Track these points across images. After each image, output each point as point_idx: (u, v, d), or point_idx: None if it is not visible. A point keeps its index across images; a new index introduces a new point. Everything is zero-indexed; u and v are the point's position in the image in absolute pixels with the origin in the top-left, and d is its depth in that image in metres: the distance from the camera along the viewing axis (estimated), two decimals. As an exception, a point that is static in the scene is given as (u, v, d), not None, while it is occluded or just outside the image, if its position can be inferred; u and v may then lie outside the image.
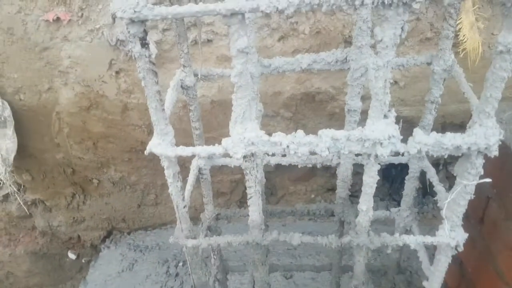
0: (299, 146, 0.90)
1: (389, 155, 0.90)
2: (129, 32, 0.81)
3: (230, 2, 0.74)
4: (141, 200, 2.32)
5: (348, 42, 1.93)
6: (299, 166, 1.33)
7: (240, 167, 2.23)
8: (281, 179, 2.27)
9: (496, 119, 0.89)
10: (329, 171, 2.25)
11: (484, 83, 0.86)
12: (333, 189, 2.33)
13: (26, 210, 2.22)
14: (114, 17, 0.79)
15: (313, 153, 0.91)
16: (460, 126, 2.03)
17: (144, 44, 0.83)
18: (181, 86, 1.13)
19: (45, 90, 1.96)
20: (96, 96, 1.96)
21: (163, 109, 0.91)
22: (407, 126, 1.50)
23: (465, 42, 1.80)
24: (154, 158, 2.19)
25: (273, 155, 1.20)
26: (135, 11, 0.76)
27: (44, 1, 1.79)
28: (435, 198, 1.17)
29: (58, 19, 1.81)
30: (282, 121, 2.03)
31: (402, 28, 0.76)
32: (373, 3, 0.72)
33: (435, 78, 1.11)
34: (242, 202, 2.30)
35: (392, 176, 2.28)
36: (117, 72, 1.91)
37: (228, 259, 1.86)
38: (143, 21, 0.80)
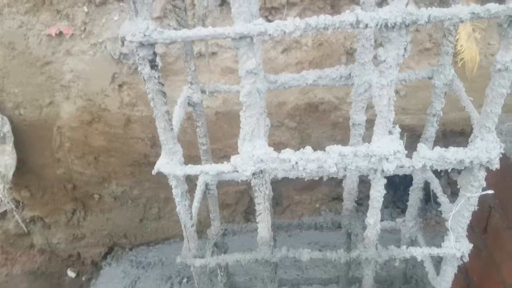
0: (307, 162, 0.96)
1: (395, 170, 0.96)
2: (138, 54, 0.86)
3: (239, 26, 0.81)
4: (143, 214, 2.37)
5: (349, 53, 2.00)
6: (305, 180, 1.38)
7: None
8: (286, 189, 2.33)
9: (496, 131, 0.95)
10: (334, 180, 2.30)
11: (484, 99, 0.92)
12: (338, 198, 2.38)
13: (24, 228, 2.27)
14: (123, 41, 0.84)
15: (321, 168, 0.96)
16: (460, 133, 2.10)
17: (154, 66, 0.89)
18: (188, 103, 1.18)
19: (46, 104, 2.02)
20: (99, 109, 2.02)
21: (172, 129, 0.97)
22: (409, 134, 1.56)
23: (463, 52, 1.88)
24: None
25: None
26: (144, 35, 0.81)
27: (47, 16, 1.86)
28: (439, 209, 1.23)
29: (60, 33, 1.87)
30: (287, 131, 2.09)
31: (405, 49, 0.82)
32: (376, 25, 0.78)
33: (436, 92, 1.18)
34: (248, 213, 2.35)
35: (396, 183, 2.34)
36: (120, 85, 1.97)
37: (235, 274, 1.90)
38: (152, 44, 0.85)
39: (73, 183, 2.22)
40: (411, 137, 1.59)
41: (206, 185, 1.34)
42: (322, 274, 1.85)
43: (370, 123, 1.19)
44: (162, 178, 2.43)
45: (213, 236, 1.39)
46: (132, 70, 1.94)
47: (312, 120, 2.13)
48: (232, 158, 0.97)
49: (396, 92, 1.99)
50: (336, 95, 2.06)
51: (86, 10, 1.84)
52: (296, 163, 0.96)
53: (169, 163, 0.97)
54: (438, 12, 0.76)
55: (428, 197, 2.47)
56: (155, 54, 0.86)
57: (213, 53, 1.92)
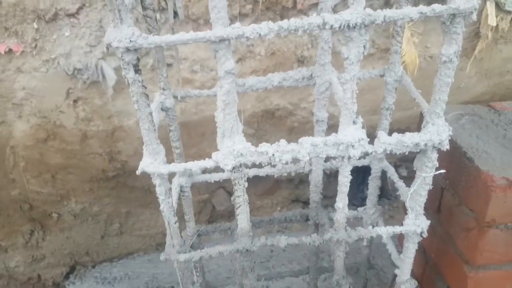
0: (283, 154, 1.04)
1: (360, 155, 1.07)
2: (123, 60, 0.91)
3: (218, 30, 0.88)
4: (105, 231, 2.34)
5: (300, 61, 2.14)
6: (275, 176, 1.47)
7: (207, 186, 2.33)
8: (248, 195, 2.40)
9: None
10: (293, 182, 2.42)
11: (433, 88, 1.06)
12: (297, 200, 2.50)
13: (-19, 254, 2.16)
14: (108, 47, 0.89)
15: (295, 159, 1.06)
16: (405, 130, 2.31)
17: (137, 70, 0.94)
18: (161, 108, 1.24)
19: (-2, 124, 1.97)
20: (54, 126, 1.99)
21: (155, 129, 1.02)
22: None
23: (403, 55, 2.08)
24: (117, 186, 2.24)
25: (251, 167, 1.34)
26: (130, 41, 0.87)
27: (-5, 34, 1.82)
28: (391, 197, 1.36)
29: (10, 50, 1.84)
30: (246, 137, 2.17)
31: (364, 46, 0.94)
32: (340, 26, 0.90)
33: (388, 88, 1.32)
34: (211, 222, 2.39)
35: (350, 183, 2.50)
36: (75, 101, 1.97)
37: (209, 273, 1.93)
38: (136, 50, 0.91)
39: (29, 203, 2.15)
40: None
41: (181, 187, 1.39)
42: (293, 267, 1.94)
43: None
44: (122, 192, 2.43)
45: (188, 237, 1.43)
46: (87, 85, 1.95)
47: (270, 126, 2.24)
48: (213, 154, 1.04)
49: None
50: (291, 101, 2.19)
51: (36, 26, 1.83)
52: (273, 154, 1.04)
53: (153, 163, 1.02)
54: (392, 12, 0.88)
55: (381, 194, 2.65)
56: (138, 59, 0.91)
57: (169, 65, 1.98)
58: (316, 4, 2.01)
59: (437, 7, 0.89)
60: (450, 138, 1.10)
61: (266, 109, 2.16)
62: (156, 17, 1.14)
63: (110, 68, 1.93)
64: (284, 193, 2.47)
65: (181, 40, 0.89)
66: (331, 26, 0.89)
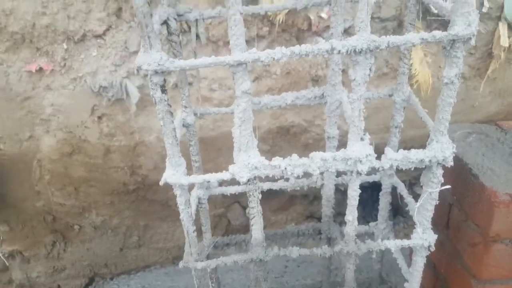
0: (294, 167, 1.14)
1: (367, 170, 1.16)
2: (152, 81, 1.03)
3: (236, 55, 1.00)
4: (123, 243, 2.44)
5: (315, 80, 2.25)
6: (289, 191, 1.56)
7: (223, 200, 2.42)
8: (262, 210, 2.49)
9: (449, 137, 1.18)
10: (307, 198, 2.50)
11: (437, 108, 1.15)
12: (311, 216, 2.57)
13: (6, 262, 2.28)
14: (139, 69, 1.01)
15: (306, 173, 1.15)
16: (419, 148, 2.38)
17: (164, 90, 1.06)
18: (183, 125, 1.35)
19: (26, 138, 2.11)
20: (79, 141, 2.13)
21: (178, 144, 1.13)
22: (374, 151, 1.79)
23: (417, 75, 2.17)
24: (137, 199, 2.36)
25: (266, 181, 1.43)
26: (159, 64, 0.99)
27: (27, 53, 1.98)
28: (406, 215, 1.43)
29: (40, 69, 1.99)
30: (261, 153, 2.28)
31: (370, 69, 1.04)
32: (347, 51, 1.00)
33: (396, 107, 1.41)
34: (226, 235, 2.48)
35: (364, 200, 2.57)
36: (99, 117, 2.10)
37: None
38: (164, 72, 1.02)
39: (53, 214, 2.28)
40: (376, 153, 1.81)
41: (199, 199, 1.49)
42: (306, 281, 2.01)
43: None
44: (141, 205, 2.54)
45: (205, 248, 1.52)
46: (111, 102, 2.08)
47: (284, 143, 2.33)
48: (230, 167, 1.14)
49: (359, 113, 2.24)
50: (305, 118, 2.28)
51: (65, 47, 1.99)
52: (285, 168, 1.14)
53: (175, 174, 1.13)
54: (395, 38, 0.98)
55: (396, 212, 2.72)
56: (165, 80, 1.03)
57: (189, 83, 2.10)
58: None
59: (437, 33, 0.99)
60: (457, 155, 1.19)
61: (281, 126, 2.26)
62: (180, 41, 1.26)
63: (133, 86, 2.06)
64: (298, 209, 2.55)
65: (203, 64, 1.01)
66: (339, 51, 0.99)
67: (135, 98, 2.07)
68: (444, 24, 2.15)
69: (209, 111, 1.39)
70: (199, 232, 1.93)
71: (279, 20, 2.01)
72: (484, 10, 2.13)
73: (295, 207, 2.53)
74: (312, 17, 2.07)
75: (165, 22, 1.19)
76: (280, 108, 2.36)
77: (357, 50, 0.99)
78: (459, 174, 1.38)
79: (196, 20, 1.23)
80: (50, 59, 2.00)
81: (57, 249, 2.39)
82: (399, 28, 2.17)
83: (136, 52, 2.03)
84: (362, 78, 1.05)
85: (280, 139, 2.29)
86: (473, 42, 1.01)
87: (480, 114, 2.49)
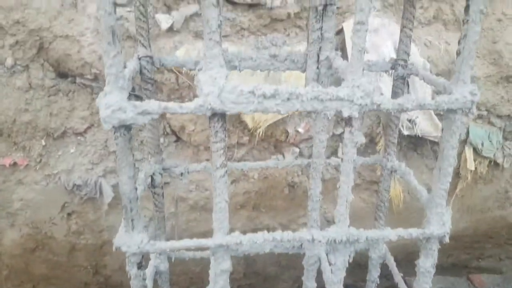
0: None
1: None
2: (130, 260, 0.99)
3: (218, 238, 0.99)
4: None
5: (291, 186, 2.27)
6: None
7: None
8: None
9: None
10: None
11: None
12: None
13: None
14: (117, 250, 0.98)
15: None
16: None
17: (140, 267, 1.02)
18: (156, 272, 1.31)
19: (-11, 231, 2.02)
20: (44, 237, 2.04)
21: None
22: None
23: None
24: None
25: None
26: (139, 247, 0.96)
27: (2, 147, 1.94)
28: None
29: (15, 164, 1.94)
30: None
31: (349, 255, 1.05)
32: (327, 242, 1.00)
33: (373, 263, 1.42)
34: None
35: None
36: (69, 214, 2.04)
37: None
38: (143, 255, 0.99)
39: (6, 314, 2.14)
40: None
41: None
42: None
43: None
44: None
45: None
46: (84, 200, 2.03)
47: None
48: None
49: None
50: (281, 221, 2.28)
51: (43, 143, 1.95)
52: None
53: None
54: (374, 233, 1.00)
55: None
56: (143, 257, 1.00)
57: (166, 183, 2.08)
58: (307, 140, 2.16)
59: (413, 231, 1.01)
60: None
61: (256, 228, 2.24)
62: (162, 193, 1.25)
63: (108, 185, 2.03)
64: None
65: (184, 247, 0.99)
66: (319, 241, 1.00)
67: (108, 197, 2.03)
68: (414, 142, 2.24)
69: (184, 255, 1.36)
70: None
71: (259, 133, 2.04)
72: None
73: None
74: (290, 131, 2.12)
75: (151, 177, 1.18)
76: (256, 210, 2.37)
77: (337, 241, 1.00)
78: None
79: (182, 174, 1.23)
80: (26, 154, 1.96)
81: None
82: (371, 143, 2.24)
83: (115, 152, 2.01)
84: (341, 264, 1.06)
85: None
86: (447, 239, 1.04)
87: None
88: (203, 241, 0.97)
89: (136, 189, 0.91)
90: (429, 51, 2.02)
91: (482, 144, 2.25)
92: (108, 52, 0.80)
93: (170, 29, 1.92)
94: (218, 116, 0.88)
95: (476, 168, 2.32)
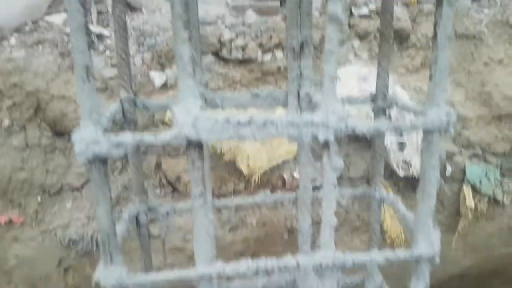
0: None
1: None
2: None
3: (201, 267, 0.94)
4: None
5: (290, 231, 2.20)
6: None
7: None
8: None
9: None
10: None
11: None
12: None
13: None
14: (97, 282, 0.94)
15: None
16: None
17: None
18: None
19: (-17, 293, 1.95)
20: (40, 295, 1.97)
21: None
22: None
23: (389, 230, 2.16)
24: None
25: None
26: (117, 281, 0.92)
27: (-1, 205, 1.91)
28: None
29: (10, 221, 1.91)
30: None
31: (337, 282, 0.99)
32: (313, 267, 0.96)
33: (368, 295, 1.34)
34: None
35: None
36: (65, 269, 1.98)
37: None
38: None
39: None
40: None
41: None
42: None
43: None
44: None
45: None
46: (80, 254, 1.98)
47: None
48: None
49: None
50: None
51: (39, 200, 1.93)
52: None
53: None
54: (360, 256, 0.96)
55: None
56: (122, 287, 0.96)
57: (157, 236, 2.03)
58: (304, 185, 2.12)
59: (401, 253, 0.96)
60: None
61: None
62: (149, 233, 1.22)
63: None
64: None
65: (165, 279, 0.95)
66: (304, 271, 0.95)
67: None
68: (411, 182, 2.20)
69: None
70: None
71: (255, 180, 2.03)
72: (448, 173, 2.21)
73: None
74: (286, 176, 2.10)
75: (135, 217, 1.16)
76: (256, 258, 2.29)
77: (323, 267, 0.95)
78: None
79: (168, 213, 1.21)
80: (22, 211, 1.93)
81: None
82: (367, 184, 2.21)
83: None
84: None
85: None
86: (437, 260, 0.99)
87: (454, 267, 2.44)
88: (184, 272, 0.93)
89: (114, 224, 0.89)
90: (418, 96, 2.05)
91: (480, 182, 2.21)
92: (81, 88, 0.81)
93: (164, 86, 1.97)
94: (194, 145, 0.87)
95: (476, 205, 2.25)
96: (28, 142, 1.88)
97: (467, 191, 2.24)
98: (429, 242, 0.94)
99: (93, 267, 2.01)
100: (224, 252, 1.94)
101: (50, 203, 1.94)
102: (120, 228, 1.05)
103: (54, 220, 1.93)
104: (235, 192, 2.11)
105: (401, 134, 2.02)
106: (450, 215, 2.33)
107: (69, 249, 1.96)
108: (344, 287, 1.18)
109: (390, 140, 2.01)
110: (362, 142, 2.08)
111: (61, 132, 1.92)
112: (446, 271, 2.44)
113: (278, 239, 2.20)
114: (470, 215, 2.28)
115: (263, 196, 1.38)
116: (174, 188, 2.04)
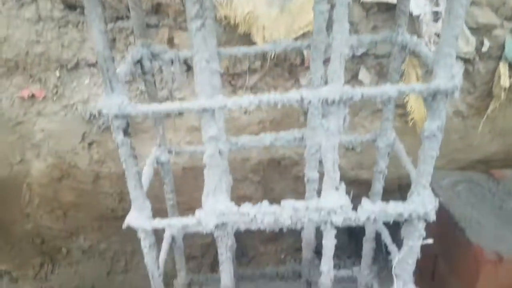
0: (264, 216, 1.05)
1: (342, 222, 1.06)
2: (113, 124, 0.95)
3: (202, 101, 0.92)
4: (111, 267, 2.36)
5: (306, 113, 2.15)
6: (267, 231, 1.47)
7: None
8: (251, 240, 2.38)
9: (436, 185, 1.07)
10: (298, 231, 2.38)
11: (418, 159, 1.05)
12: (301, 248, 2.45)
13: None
14: (100, 113, 0.94)
15: (277, 221, 1.05)
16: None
17: (127, 133, 0.98)
18: (157, 162, 1.27)
19: (17, 162, 2.05)
20: (68, 167, 2.06)
21: (142, 187, 1.05)
22: (367, 187, 1.67)
23: (413, 112, 2.07)
24: (125, 226, 2.27)
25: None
26: (119, 108, 0.91)
27: (19, 80, 1.94)
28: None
29: (33, 96, 1.94)
30: (251, 184, 2.18)
31: (344, 119, 0.95)
32: (318, 101, 0.91)
33: (380, 153, 1.31)
34: (214, 264, 2.38)
35: (357, 234, 2.44)
36: (89, 144, 2.04)
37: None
38: (125, 116, 0.95)
39: (41, 237, 2.22)
40: (369, 189, 1.68)
41: (173, 238, 1.40)
42: None
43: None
44: (128, 231, 2.46)
45: (179, 286, 1.43)
46: (102, 129, 2.02)
47: (275, 175, 2.24)
48: (197, 212, 1.05)
49: (352, 149, 2.13)
50: (297, 151, 2.19)
51: (58, 74, 1.94)
52: (255, 216, 1.04)
53: (139, 218, 1.04)
54: (370, 90, 0.90)
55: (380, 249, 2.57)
56: (128, 123, 0.95)
57: (180, 113, 2.03)
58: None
59: (417, 86, 0.90)
60: (443, 205, 1.08)
61: (272, 158, 2.16)
62: (154, 81, 1.19)
63: (124, 114, 1.99)
64: (289, 241, 2.43)
65: (168, 110, 0.93)
66: (309, 101, 0.90)
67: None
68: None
69: (185, 150, 1.31)
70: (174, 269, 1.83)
71: (271, 55, 1.94)
72: (484, 49, 2.03)
73: (284, 239, 2.42)
74: (305, 53, 1.99)
75: (139, 62, 1.12)
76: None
77: (329, 101, 0.91)
78: (445, 225, 1.27)
79: (172, 60, 1.16)
80: (42, 86, 1.95)
81: (45, 271, 2.31)
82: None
83: (128, 82, 1.97)
84: (335, 127, 0.96)
85: (271, 171, 2.20)
86: (457, 95, 0.91)
87: (479, 153, 2.35)
88: (187, 104, 0.91)
89: (110, 48, 0.85)
90: None
91: (519, 59, 2.02)
92: None
93: None
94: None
95: (511, 85, 2.11)
96: (40, 15, 1.84)
97: (503, 68, 2.07)
98: (449, 75, 0.86)
99: (115, 142, 2.07)
100: (240, 133, 1.92)
101: (68, 79, 1.94)
102: (123, 68, 1.02)
103: (74, 95, 1.95)
104: (250, 72, 2.04)
105: (437, 3, 1.85)
106: (480, 96, 2.19)
107: (91, 124, 2.00)
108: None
109: (424, 11, 1.85)
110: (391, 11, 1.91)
111: (72, 5, 1.86)
112: (469, 156, 2.37)
113: (294, 122, 2.17)
114: (503, 96, 2.14)
115: (274, 136, 1.29)
116: (188, 66, 1.99)
